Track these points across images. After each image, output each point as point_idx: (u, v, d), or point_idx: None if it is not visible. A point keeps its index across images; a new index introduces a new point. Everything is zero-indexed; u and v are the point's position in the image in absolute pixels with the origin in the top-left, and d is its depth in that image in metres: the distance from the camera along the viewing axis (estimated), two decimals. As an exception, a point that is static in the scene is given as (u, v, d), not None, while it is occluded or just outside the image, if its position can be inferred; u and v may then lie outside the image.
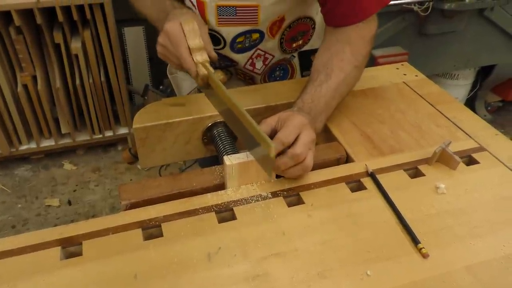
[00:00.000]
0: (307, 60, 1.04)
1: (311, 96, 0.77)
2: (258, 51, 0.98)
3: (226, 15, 0.88)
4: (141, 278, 0.56)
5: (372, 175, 0.72)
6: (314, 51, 0.95)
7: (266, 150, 0.61)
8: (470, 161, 0.77)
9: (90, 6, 1.86)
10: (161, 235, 0.62)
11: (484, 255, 0.60)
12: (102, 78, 2.08)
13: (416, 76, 1.01)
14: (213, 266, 0.58)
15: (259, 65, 1.01)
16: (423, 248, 0.59)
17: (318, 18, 0.99)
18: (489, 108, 2.79)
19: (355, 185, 0.72)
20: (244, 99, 0.89)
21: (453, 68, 2.30)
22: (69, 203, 2.08)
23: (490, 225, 0.64)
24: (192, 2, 0.91)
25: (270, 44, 0.98)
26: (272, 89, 0.94)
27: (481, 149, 0.78)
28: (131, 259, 0.58)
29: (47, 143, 2.21)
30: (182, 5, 0.89)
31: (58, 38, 1.93)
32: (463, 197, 0.69)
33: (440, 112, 0.89)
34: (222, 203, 0.66)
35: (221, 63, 1.02)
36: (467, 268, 0.58)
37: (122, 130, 2.30)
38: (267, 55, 1.00)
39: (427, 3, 1.78)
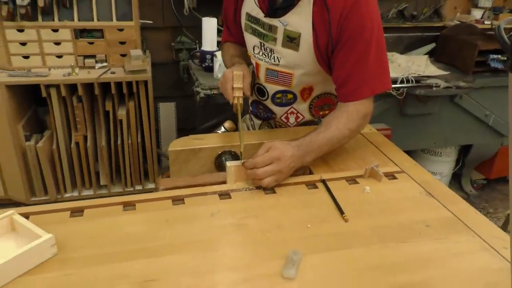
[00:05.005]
0: None
1: (311, 138, 1.11)
2: (292, 109, 1.38)
3: (271, 76, 1.32)
4: (170, 222, 0.92)
5: (323, 181, 1.09)
6: None
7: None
8: (393, 178, 1.13)
9: (137, 82, 2.39)
10: (183, 203, 0.99)
11: (385, 223, 0.94)
12: (139, 140, 2.55)
13: (370, 130, 1.41)
14: (214, 219, 0.94)
15: (292, 120, 1.41)
16: (346, 216, 0.94)
17: None
18: (474, 185, 3.10)
19: (312, 186, 1.08)
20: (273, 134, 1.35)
21: (434, 146, 2.68)
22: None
23: (396, 210, 0.99)
24: (253, 65, 1.37)
25: (302, 107, 1.37)
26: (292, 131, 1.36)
27: (401, 172, 1.15)
28: (164, 213, 0.95)
29: (87, 192, 2.63)
30: (243, 62, 1.34)
31: (109, 106, 2.44)
32: (381, 196, 1.04)
33: (381, 151, 1.27)
34: (223, 190, 1.04)
35: (263, 114, 1.45)
36: (371, 228, 0.92)
37: (150, 185, 2.71)
38: (298, 115, 1.40)
39: (402, 88, 2.23)
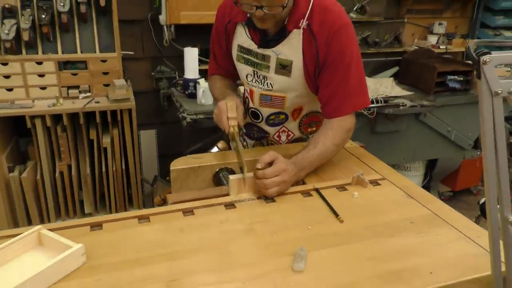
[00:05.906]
0: None
1: (302, 156, 1.25)
2: (284, 128, 1.51)
3: (265, 101, 1.44)
4: (184, 230, 1.01)
5: (317, 189, 1.21)
6: None
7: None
8: (376, 184, 1.27)
9: (121, 111, 2.46)
10: (193, 214, 1.08)
11: (375, 222, 1.07)
12: (123, 167, 2.60)
13: (351, 144, 1.56)
14: (223, 226, 1.04)
15: (283, 138, 1.54)
16: (341, 217, 1.06)
17: None
18: (442, 197, 3.31)
19: (307, 195, 1.20)
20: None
21: (403, 161, 2.88)
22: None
23: (382, 211, 1.12)
24: (246, 91, 1.48)
25: (292, 125, 1.51)
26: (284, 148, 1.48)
27: (383, 179, 1.29)
28: (177, 223, 1.04)
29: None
30: (234, 94, 1.43)
31: (93, 135, 2.49)
32: (369, 199, 1.17)
33: (363, 162, 1.41)
34: (227, 201, 1.14)
35: (257, 134, 1.56)
36: (364, 227, 1.04)
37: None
38: (289, 132, 1.53)
39: (372, 108, 2.41)
